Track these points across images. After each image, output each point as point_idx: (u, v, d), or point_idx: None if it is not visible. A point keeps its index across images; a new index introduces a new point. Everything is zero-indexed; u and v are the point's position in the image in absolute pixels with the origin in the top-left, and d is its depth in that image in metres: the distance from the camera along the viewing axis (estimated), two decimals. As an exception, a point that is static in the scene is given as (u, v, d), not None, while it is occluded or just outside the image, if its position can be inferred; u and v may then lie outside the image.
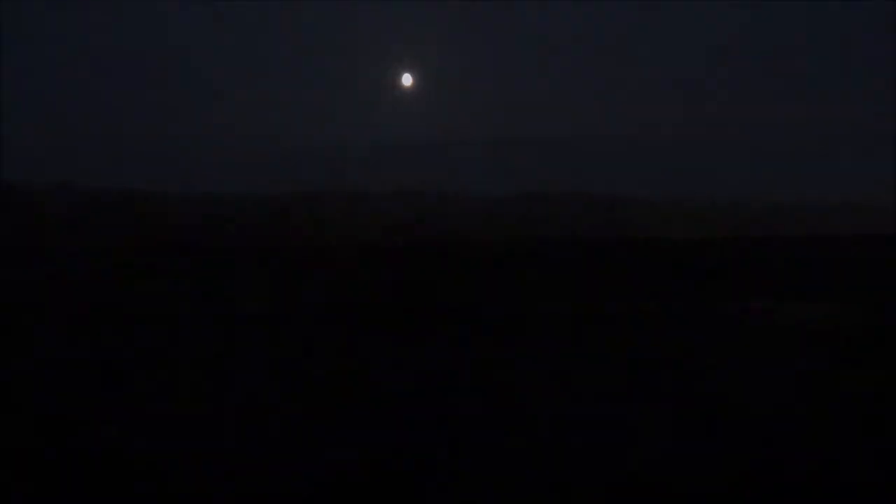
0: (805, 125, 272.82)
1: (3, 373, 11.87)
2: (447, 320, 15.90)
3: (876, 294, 23.82)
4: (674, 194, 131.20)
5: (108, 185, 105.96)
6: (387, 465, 7.86)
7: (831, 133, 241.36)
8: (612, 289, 24.10)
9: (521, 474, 7.72)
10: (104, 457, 8.04)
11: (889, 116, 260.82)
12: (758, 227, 79.93)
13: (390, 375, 11.57)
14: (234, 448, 8.34)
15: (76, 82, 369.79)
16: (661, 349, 13.99)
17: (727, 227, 79.98)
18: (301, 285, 22.00)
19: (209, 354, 12.76)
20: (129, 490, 7.27)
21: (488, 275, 18.09)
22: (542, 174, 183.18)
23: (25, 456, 8.03)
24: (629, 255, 42.13)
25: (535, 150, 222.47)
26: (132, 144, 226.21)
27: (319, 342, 13.92)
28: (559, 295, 19.11)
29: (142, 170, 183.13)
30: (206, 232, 58.29)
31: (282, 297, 18.98)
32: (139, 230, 55.80)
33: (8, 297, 19.62)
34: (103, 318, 16.05)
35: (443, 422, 9.25)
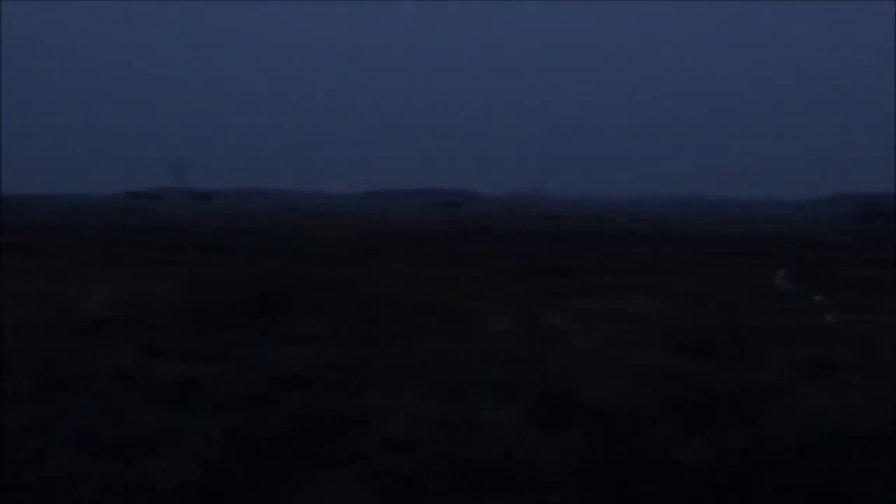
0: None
1: None
2: (301, 316, 15.83)
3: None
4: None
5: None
6: (236, 468, 7.85)
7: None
8: (464, 284, 24.45)
9: (372, 470, 7.82)
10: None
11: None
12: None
13: (241, 375, 11.46)
14: (84, 451, 8.21)
15: None
16: (512, 343, 14.28)
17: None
18: (150, 284, 21.62)
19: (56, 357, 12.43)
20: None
21: (343, 269, 18.05)
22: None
23: None
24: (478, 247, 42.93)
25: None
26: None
27: (169, 343, 13.71)
28: (412, 289, 19.28)
29: None
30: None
31: (130, 298, 18.58)
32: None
33: None
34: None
35: (295, 420, 9.25)
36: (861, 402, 9.91)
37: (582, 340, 14.59)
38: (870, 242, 55.71)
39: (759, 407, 9.79)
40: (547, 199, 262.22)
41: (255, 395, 10.34)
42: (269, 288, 16.65)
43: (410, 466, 7.89)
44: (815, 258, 39.75)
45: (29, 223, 70.46)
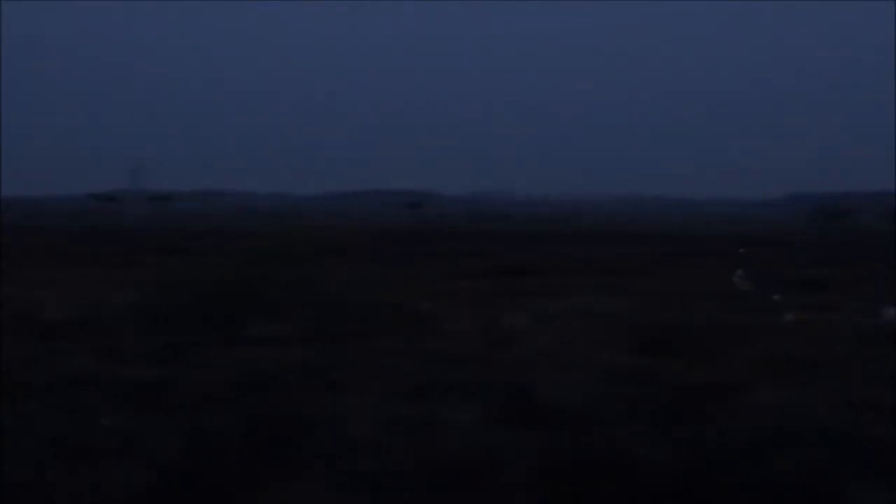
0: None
1: None
2: (263, 317, 15.79)
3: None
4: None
5: None
6: (199, 470, 7.82)
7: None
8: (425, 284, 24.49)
9: (336, 471, 7.81)
10: None
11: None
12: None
13: (204, 377, 11.42)
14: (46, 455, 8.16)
15: None
16: (474, 343, 14.33)
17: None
18: (111, 287, 21.48)
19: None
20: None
21: (304, 270, 18.02)
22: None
23: None
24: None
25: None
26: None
27: (130, 345, 13.64)
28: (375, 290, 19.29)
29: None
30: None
31: (91, 301, 18.46)
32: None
33: None
34: None
35: (258, 421, 9.22)
36: (820, 399, 10.03)
37: (544, 340, 14.65)
38: (829, 241, 56.37)
39: (720, 405, 9.88)
40: (512, 200, 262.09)
41: (217, 397, 10.30)
42: (231, 290, 16.58)
43: (374, 467, 7.89)
44: (774, 257, 40.14)
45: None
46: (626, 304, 20.35)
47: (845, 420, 9.13)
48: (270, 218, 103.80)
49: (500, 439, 8.63)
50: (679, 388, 10.73)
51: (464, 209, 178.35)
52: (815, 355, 13.09)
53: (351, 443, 8.53)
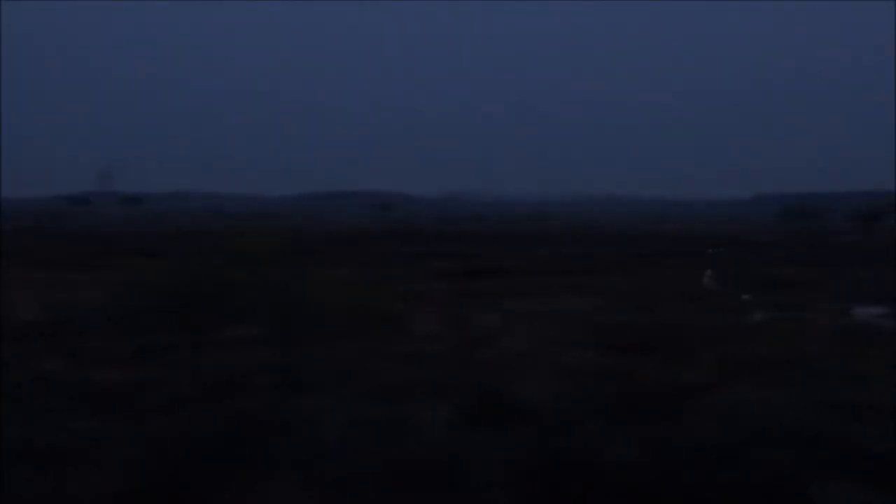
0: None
1: None
2: (233, 319, 15.77)
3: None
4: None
5: None
6: (169, 473, 7.83)
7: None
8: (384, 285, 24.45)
9: (307, 472, 7.85)
10: None
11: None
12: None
13: (173, 379, 11.43)
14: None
15: None
16: (445, 344, 14.37)
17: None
18: (81, 289, 21.37)
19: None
20: None
21: (275, 272, 18.01)
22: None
23: None
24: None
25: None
26: None
27: (99, 347, 13.61)
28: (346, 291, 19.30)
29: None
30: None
31: (60, 302, 18.37)
32: None
33: None
34: None
35: (228, 423, 9.24)
36: (792, 398, 10.12)
37: (515, 341, 14.70)
38: (797, 241, 56.68)
39: (689, 405, 9.94)
40: (480, 200, 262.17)
41: (189, 399, 10.30)
42: (200, 292, 16.50)
43: (346, 467, 7.93)
44: (743, 257, 40.35)
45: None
46: (597, 305, 20.44)
47: (818, 419, 9.20)
48: (242, 219, 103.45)
49: (472, 439, 8.68)
50: (650, 388, 10.79)
51: (435, 210, 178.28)
52: (785, 355, 13.19)
53: (323, 443, 8.56)
